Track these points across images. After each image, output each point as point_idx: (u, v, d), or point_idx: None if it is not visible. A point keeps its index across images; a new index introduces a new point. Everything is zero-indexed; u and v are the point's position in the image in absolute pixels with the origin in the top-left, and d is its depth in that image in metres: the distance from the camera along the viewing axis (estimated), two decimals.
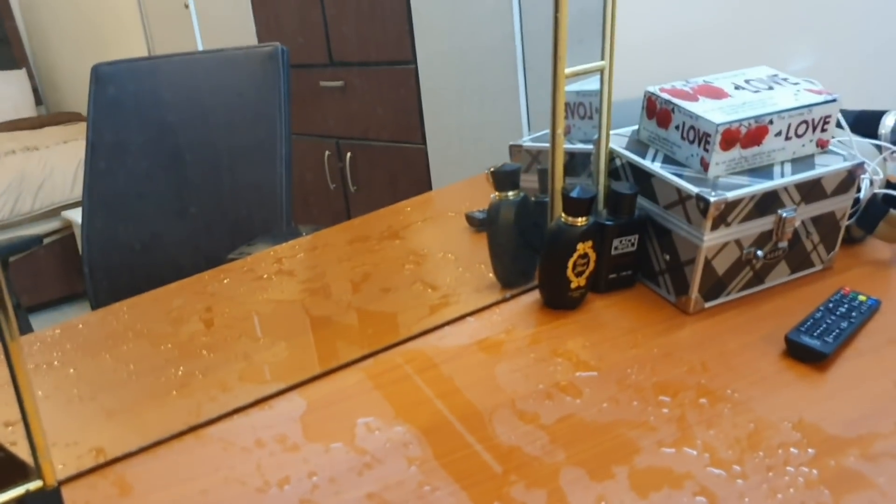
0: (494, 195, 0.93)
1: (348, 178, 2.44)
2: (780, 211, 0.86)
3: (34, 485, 0.59)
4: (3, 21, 4.24)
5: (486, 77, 1.94)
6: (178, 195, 1.52)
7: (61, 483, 0.64)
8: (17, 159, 3.25)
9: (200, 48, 2.73)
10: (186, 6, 2.74)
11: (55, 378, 0.85)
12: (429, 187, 2.21)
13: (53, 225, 3.28)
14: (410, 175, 2.26)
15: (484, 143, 1.99)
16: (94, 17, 3.65)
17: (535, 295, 0.91)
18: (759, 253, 0.87)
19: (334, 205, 2.51)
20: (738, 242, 0.86)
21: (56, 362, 0.88)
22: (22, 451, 0.71)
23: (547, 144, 0.98)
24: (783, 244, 0.88)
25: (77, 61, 4.00)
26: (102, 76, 1.55)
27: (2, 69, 4.11)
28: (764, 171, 0.88)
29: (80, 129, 3.67)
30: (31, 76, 4.28)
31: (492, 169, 0.93)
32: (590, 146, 0.96)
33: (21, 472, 0.68)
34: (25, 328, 1.55)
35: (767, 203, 0.85)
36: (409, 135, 2.21)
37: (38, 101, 4.32)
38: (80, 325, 0.99)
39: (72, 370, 0.87)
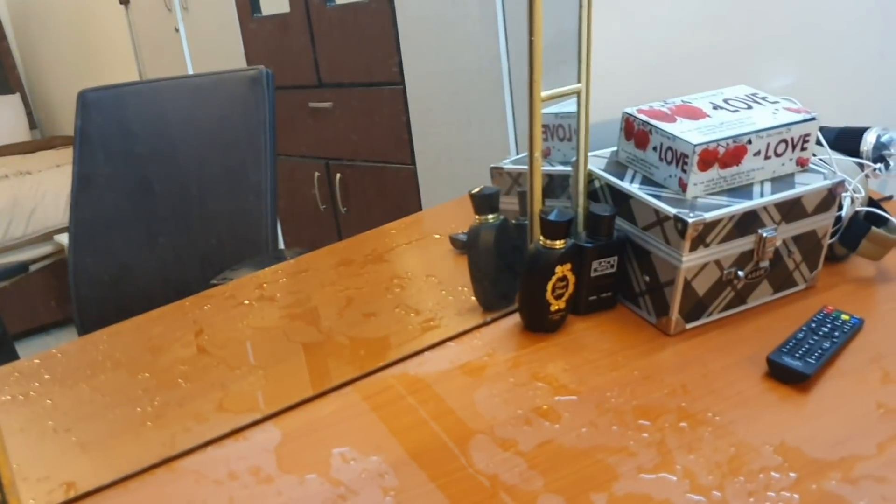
0: (475, 218, 0.92)
1: (338, 199, 2.44)
2: (760, 230, 0.85)
3: None
4: None
5: (473, 98, 1.94)
6: (178, 224, 1.51)
7: None
8: (10, 184, 3.25)
9: (191, 71, 2.74)
10: (177, 30, 2.75)
11: (31, 410, 0.84)
12: (419, 207, 2.20)
13: (45, 249, 3.27)
14: (400, 195, 2.25)
15: (473, 164, 1.99)
16: (86, 41, 3.67)
17: (515, 318, 0.90)
18: (740, 273, 0.87)
19: (325, 226, 2.51)
20: (717, 263, 0.85)
21: (32, 393, 0.87)
22: None
23: (525, 167, 0.98)
24: (764, 264, 0.88)
25: (70, 85, 4.01)
26: (89, 102, 1.54)
27: None
28: (743, 191, 0.87)
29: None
30: (24, 101, 4.29)
31: (472, 192, 0.92)
32: (568, 168, 0.96)
33: None
34: (10, 356, 1.53)
35: (747, 223, 0.85)
36: (399, 155, 2.21)
37: (32, 125, 4.33)
38: (59, 355, 0.98)
39: (48, 401, 0.86)
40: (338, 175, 2.41)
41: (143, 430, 0.77)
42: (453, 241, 1.15)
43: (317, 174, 2.47)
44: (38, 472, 0.71)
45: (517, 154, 1.88)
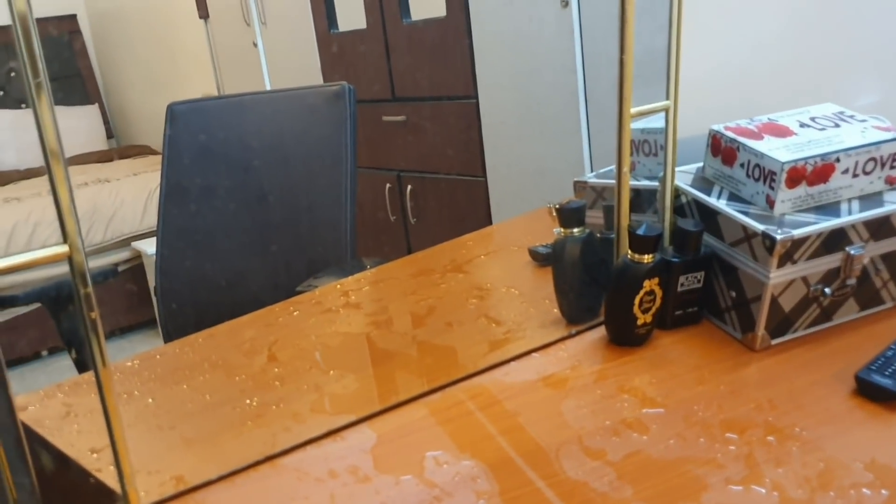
0: (559, 230, 0.94)
1: (409, 210, 2.48)
2: (847, 248, 0.86)
3: None
4: (78, 58, 4.42)
5: (547, 112, 1.97)
6: (258, 232, 1.56)
7: None
8: (90, 191, 3.37)
9: (268, 85, 2.82)
10: (255, 44, 2.84)
11: (136, 408, 0.89)
12: (488, 220, 2.23)
13: (123, 255, 3.38)
14: (470, 208, 2.28)
15: (544, 177, 2.01)
16: (165, 54, 3.79)
17: (600, 331, 0.92)
18: (827, 290, 0.87)
19: (394, 236, 2.55)
20: (804, 279, 0.86)
21: (136, 392, 0.92)
22: (106, 478, 0.74)
23: (611, 181, 1.00)
24: (851, 281, 0.88)
25: (147, 97, 4.15)
26: (177, 114, 1.61)
27: (76, 104, 4.28)
28: (831, 209, 0.88)
29: (150, 161, 3.79)
30: (102, 111, 4.45)
31: (556, 205, 0.94)
32: (654, 183, 0.97)
33: (108, 499, 0.71)
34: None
35: (835, 240, 0.85)
36: (470, 168, 2.24)
37: (109, 134, 4.48)
38: (158, 356, 1.03)
39: (150, 400, 0.91)
40: (409, 187, 2.46)
41: (245, 428, 0.81)
42: (533, 253, 1.17)
43: (388, 186, 2.52)
44: (148, 466, 0.75)
45: (591, 168, 1.90)
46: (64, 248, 0.59)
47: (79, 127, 4.24)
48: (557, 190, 1.93)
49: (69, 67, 4.36)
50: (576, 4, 1.83)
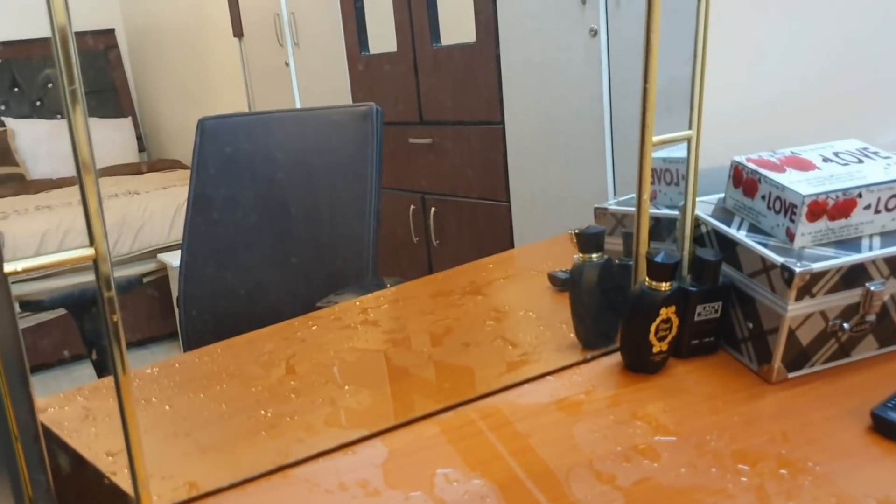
0: (578, 256, 0.95)
1: (431, 232, 2.49)
2: (867, 284, 0.85)
3: None
4: (113, 72, 4.50)
5: (572, 139, 1.98)
6: (280, 244, 1.58)
7: None
8: (119, 203, 3.42)
9: (298, 104, 2.86)
10: (287, 64, 2.88)
11: (153, 414, 0.90)
12: (510, 244, 2.24)
13: (149, 266, 3.42)
14: (493, 232, 2.29)
15: (567, 204, 2.02)
16: (199, 70, 3.85)
17: (615, 357, 0.92)
18: (846, 325, 0.86)
19: (417, 258, 2.56)
20: (822, 314, 0.85)
21: (154, 399, 0.93)
22: (121, 481, 0.75)
23: (632, 208, 1.00)
24: (870, 317, 0.88)
25: (180, 112, 4.22)
26: (208, 129, 1.64)
27: (110, 117, 4.35)
28: (851, 244, 0.87)
29: (180, 175, 3.84)
30: (135, 124, 4.52)
31: (576, 230, 0.95)
32: (675, 212, 0.97)
33: (121, 501, 0.72)
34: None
35: (855, 276, 0.85)
36: (494, 192, 2.25)
37: (141, 147, 4.55)
38: (177, 365, 1.04)
39: (168, 407, 0.92)
40: (432, 209, 2.47)
41: (259, 438, 0.81)
42: (552, 278, 1.17)
43: (412, 207, 2.54)
44: (161, 471, 0.76)
45: (614, 196, 1.91)
46: (90, 251, 0.60)
47: (112, 139, 4.31)
48: (580, 216, 1.93)
49: (105, 81, 4.44)
50: (604, 34, 1.84)
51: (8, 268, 0.58)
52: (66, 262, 0.59)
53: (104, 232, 0.60)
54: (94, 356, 1.40)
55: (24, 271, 0.58)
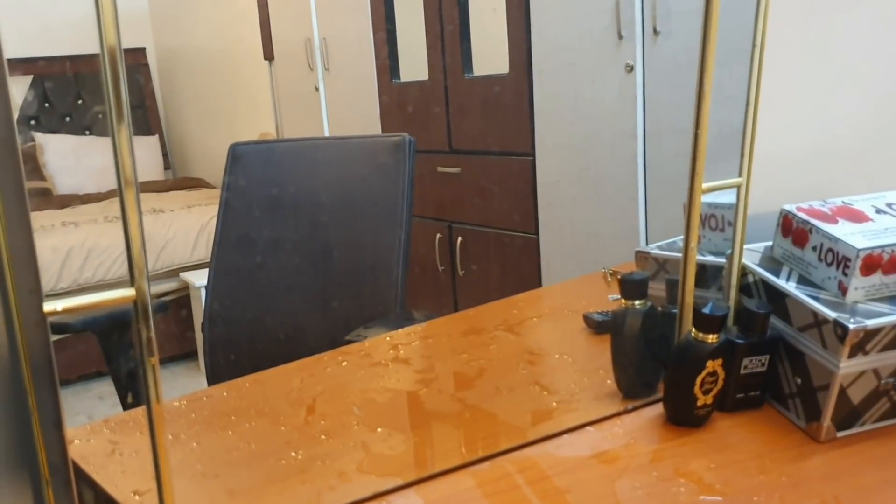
0: (615, 297, 0.92)
1: (458, 262, 2.47)
2: None
3: None
4: (143, 90, 4.54)
5: (604, 175, 1.96)
6: (320, 285, 1.57)
7: None
8: (145, 221, 3.41)
9: (326, 129, 2.86)
10: (316, 89, 2.88)
11: (180, 451, 0.88)
12: (537, 278, 2.21)
13: (171, 285, 3.42)
14: (519, 265, 2.27)
15: (597, 241, 1.99)
16: (228, 92, 3.87)
17: (657, 408, 0.89)
18: None
19: (441, 287, 2.54)
20: (875, 371, 0.82)
21: (183, 435, 0.91)
22: None
23: (675, 254, 0.98)
24: None
25: (207, 132, 4.24)
26: (239, 155, 1.63)
27: (138, 134, 4.38)
28: None
29: (205, 195, 3.85)
30: (162, 142, 4.55)
31: (616, 273, 0.93)
32: (720, 259, 0.95)
33: None
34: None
35: None
36: (522, 224, 2.23)
37: (167, 165, 4.58)
38: (205, 398, 1.02)
39: (195, 444, 0.90)
40: (459, 238, 2.45)
41: (289, 483, 0.79)
42: (587, 319, 1.15)
43: (438, 236, 2.52)
44: None
45: (646, 236, 1.88)
46: (130, 292, 0.59)
47: (139, 157, 4.26)
48: (610, 255, 1.91)
49: (134, 98, 4.48)
50: (640, 71, 1.82)
51: (47, 307, 0.56)
52: (106, 303, 0.58)
53: (146, 272, 0.59)
54: (119, 382, 1.38)
55: (64, 312, 0.56)
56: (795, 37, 1.04)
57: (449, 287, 2.52)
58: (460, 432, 0.91)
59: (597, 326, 1.12)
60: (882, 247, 0.83)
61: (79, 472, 0.83)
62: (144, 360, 0.61)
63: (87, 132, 4.35)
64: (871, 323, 0.79)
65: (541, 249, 2.18)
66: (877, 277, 0.84)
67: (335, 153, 1.61)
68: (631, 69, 1.83)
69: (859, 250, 0.82)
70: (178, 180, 4.32)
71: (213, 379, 1.58)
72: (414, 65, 2.52)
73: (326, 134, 2.91)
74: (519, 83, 2.15)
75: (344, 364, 1.09)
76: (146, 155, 4.39)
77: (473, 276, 2.44)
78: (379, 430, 0.89)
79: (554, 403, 0.94)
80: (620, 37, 1.83)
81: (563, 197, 2.09)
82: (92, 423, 0.95)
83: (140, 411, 0.97)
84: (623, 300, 0.91)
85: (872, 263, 0.83)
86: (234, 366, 1.56)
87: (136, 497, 0.78)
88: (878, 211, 0.91)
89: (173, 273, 3.43)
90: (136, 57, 4.52)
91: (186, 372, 3.28)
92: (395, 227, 1.50)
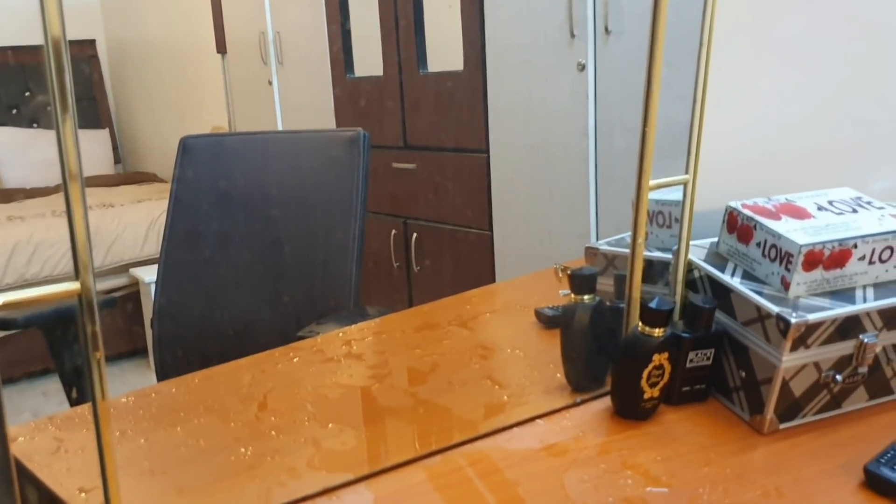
0: (566, 292, 0.93)
1: (413, 258, 2.47)
2: (861, 336, 0.85)
3: None
4: (93, 83, 4.45)
5: (557, 173, 1.97)
6: (270, 280, 1.55)
7: None
8: (93, 215, 3.37)
9: (280, 124, 2.83)
10: (270, 83, 2.86)
11: (128, 448, 0.87)
12: (491, 274, 2.23)
13: (121, 281, 3.37)
14: (474, 261, 2.28)
15: (550, 238, 2.01)
16: (180, 85, 3.82)
17: (605, 402, 0.90)
18: (838, 377, 0.86)
19: (396, 283, 2.54)
20: (816, 365, 0.85)
21: (129, 431, 0.90)
22: None
23: (623, 250, 0.99)
24: (863, 369, 0.87)
25: (158, 126, 4.17)
26: (190, 148, 1.61)
27: (87, 128, 4.30)
28: (845, 295, 0.87)
29: (155, 189, 3.80)
30: (112, 136, 4.47)
31: (565, 266, 0.94)
32: (667, 255, 0.96)
33: None
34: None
35: (849, 327, 0.84)
36: (476, 221, 2.24)
37: (117, 159, 4.49)
38: (153, 394, 1.01)
39: (143, 441, 0.89)
40: (414, 234, 2.45)
41: (238, 480, 0.79)
42: (539, 314, 1.16)
43: (394, 232, 2.52)
44: None
45: (596, 233, 1.91)
46: (75, 286, 0.58)
47: (88, 150, 4.25)
48: (562, 251, 1.93)
49: (83, 91, 4.39)
50: (592, 69, 1.84)
51: None
52: (49, 297, 0.57)
53: (91, 265, 0.58)
54: (66, 379, 1.36)
55: (5, 307, 0.55)
56: (743, 39, 1.06)
57: (404, 283, 2.52)
58: (413, 427, 0.91)
59: (548, 321, 1.13)
60: (823, 243, 0.86)
61: (22, 470, 0.81)
62: (90, 355, 0.60)
63: (34, 125, 4.26)
64: (813, 317, 0.81)
65: (495, 246, 2.19)
66: (818, 273, 0.86)
67: (287, 147, 1.60)
68: (583, 68, 1.84)
69: (801, 246, 0.84)
70: (129, 174, 4.24)
71: (162, 376, 1.56)
72: (368, 60, 2.51)
73: (280, 129, 2.89)
74: (473, 80, 2.16)
75: (296, 360, 1.09)
76: (95, 149, 4.31)
77: (428, 272, 2.44)
78: (330, 425, 0.89)
79: (505, 397, 0.95)
80: (573, 35, 1.85)
81: (517, 194, 2.10)
82: (36, 420, 0.93)
83: (86, 408, 0.95)
84: (573, 295, 0.92)
85: (814, 259, 0.85)
86: (182, 362, 1.54)
87: (82, 495, 0.77)
88: (820, 208, 0.94)
89: (123, 269, 3.37)
90: (86, 49, 4.43)
91: (136, 369, 3.23)
92: (348, 222, 1.50)
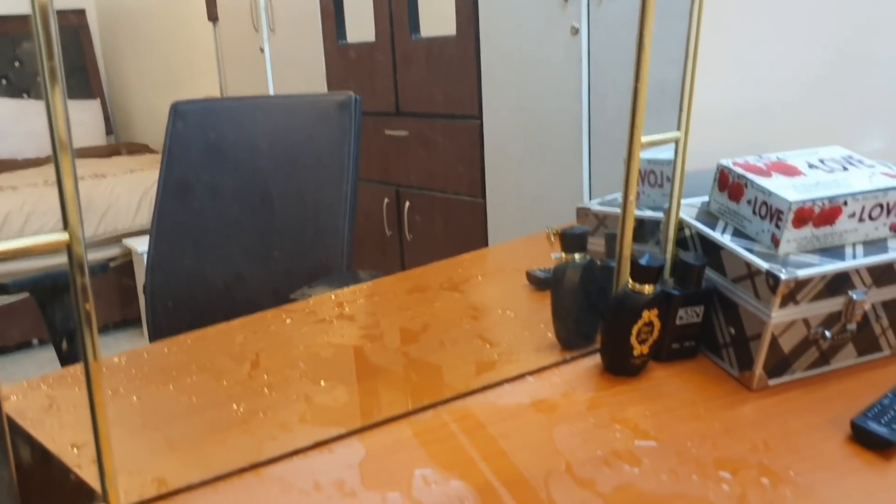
0: (558, 255, 0.94)
1: (405, 225, 2.47)
2: (850, 293, 0.85)
3: None
4: (83, 53, 4.41)
5: (550, 137, 1.96)
6: (257, 233, 1.55)
7: None
8: (86, 185, 3.35)
9: (272, 90, 2.81)
10: (261, 50, 2.83)
11: (120, 405, 0.87)
12: (485, 241, 2.23)
13: (114, 251, 3.36)
14: (467, 228, 2.28)
15: (543, 202, 2.01)
16: (171, 54, 3.78)
17: (595, 359, 0.91)
18: (827, 333, 0.86)
19: (389, 251, 2.54)
20: (805, 321, 0.85)
21: (121, 389, 0.90)
22: (86, 475, 0.72)
23: (615, 209, 0.99)
24: (851, 326, 0.87)
25: (150, 95, 4.14)
26: (181, 113, 1.60)
27: (78, 98, 4.26)
28: (835, 252, 0.87)
29: (148, 160, 3.78)
30: (104, 106, 4.43)
31: (557, 230, 0.94)
32: (659, 214, 0.97)
33: (86, 498, 0.70)
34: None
35: (838, 284, 0.84)
36: (469, 188, 2.24)
37: (109, 130, 4.47)
38: (145, 354, 1.01)
39: (135, 398, 0.89)
40: (407, 202, 2.45)
41: (230, 434, 0.79)
42: (530, 276, 1.16)
43: (386, 200, 2.51)
44: (129, 466, 0.74)
45: (589, 195, 1.90)
46: (64, 236, 0.58)
47: (79, 121, 4.22)
48: (556, 215, 1.93)
49: (74, 61, 4.35)
50: (585, 33, 1.83)
51: None
52: (38, 248, 0.57)
53: (80, 217, 0.58)
54: (58, 342, 1.36)
55: None
56: None
57: (397, 251, 2.52)
58: (403, 384, 0.91)
59: (539, 283, 1.14)
60: (813, 200, 0.86)
61: (14, 427, 0.82)
62: (79, 307, 0.60)
63: (24, 95, 4.22)
64: (802, 273, 0.82)
65: (488, 212, 2.19)
66: (808, 230, 0.86)
67: (278, 109, 1.59)
68: (576, 31, 1.83)
69: (791, 203, 0.85)
70: (121, 145, 4.22)
71: (153, 328, 1.56)
72: (361, 26, 2.49)
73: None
74: (466, 45, 2.14)
75: (288, 321, 1.09)
76: (87, 119, 4.28)
77: (421, 239, 2.44)
78: (322, 382, 0.90)
79: (496, 355, 0.96)
80: None
81: (510, 159, 2.09)
82: (29, 380, 0.93)
83: (78, 367, 0.95)
84: (563, 254, 0.92)
85: (804, 216, 0.85)
86: (173, 315, 1.54)
87: (74, 450, 0.77)
88: (811, 166, 0.94)
89: (116, 239, 3.37)
90: (77, 18, 4.38)
91: (129, 339, 3.24)
92: (340, 182, 1.49)
